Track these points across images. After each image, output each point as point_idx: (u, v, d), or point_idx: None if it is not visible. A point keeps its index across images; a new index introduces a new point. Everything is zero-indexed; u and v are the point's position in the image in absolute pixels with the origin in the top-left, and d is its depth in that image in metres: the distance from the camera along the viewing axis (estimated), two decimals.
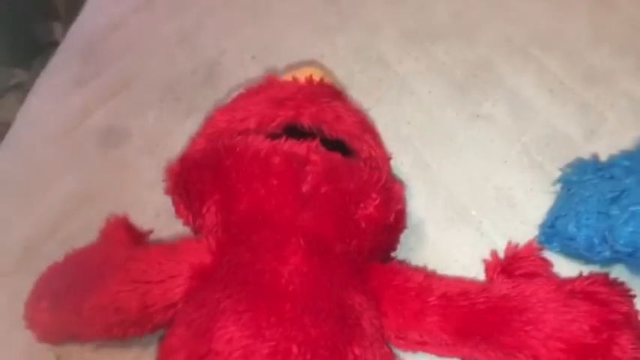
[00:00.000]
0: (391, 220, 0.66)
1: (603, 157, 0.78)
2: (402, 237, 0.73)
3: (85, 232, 0.80)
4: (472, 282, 0.66)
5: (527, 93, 0.88)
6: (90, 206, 0.86)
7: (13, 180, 0.93)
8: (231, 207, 0.64)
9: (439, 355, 0.64)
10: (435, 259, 0.74)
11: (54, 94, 1.04)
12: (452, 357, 0.64)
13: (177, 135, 0.91)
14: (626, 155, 0.73)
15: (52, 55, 1.11)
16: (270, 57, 0.99)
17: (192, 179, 0.67)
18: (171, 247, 0.67)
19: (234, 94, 0.77)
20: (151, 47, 1.08)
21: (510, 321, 0.60)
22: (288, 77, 0.75)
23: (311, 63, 0.93)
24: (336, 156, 0.65)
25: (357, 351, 0.57)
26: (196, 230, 0.69)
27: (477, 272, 0.72)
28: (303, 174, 0.63)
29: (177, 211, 0.70)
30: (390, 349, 0.63)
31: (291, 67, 0.86)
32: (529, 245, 0.70)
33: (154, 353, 0.66)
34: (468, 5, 0.98)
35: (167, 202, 0.73)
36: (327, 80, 0.76)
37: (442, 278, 0.66)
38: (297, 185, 0.62)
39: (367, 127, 0.73)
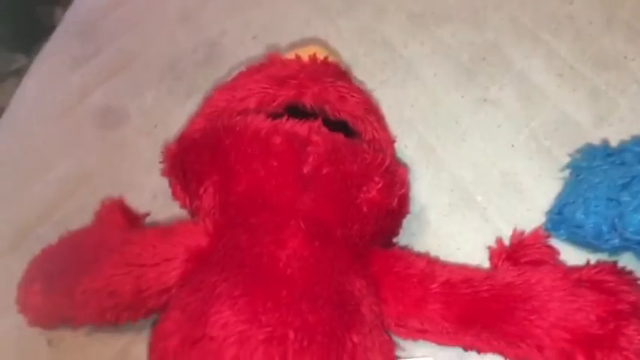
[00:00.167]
0: (394, 204, 0.65)
1: (613, 143, 0.76)
2: (405, 222, 0.71)
3: (81, 214, 0.79)
4: (476, 269, 0.64)
5: (536, 78, 0.85)
6: (86, 188, 0.84)
7: (9, 161, 0.91)
8: (230, 188, 0.62)
9: (440, 343, 0.62)
10: (438, 245, 0.72)
11: (52, 73, 1.02)
12: (453, 345, 0.62)
13: (177, 115, 0.89)
14: (638, 141, 0.71)
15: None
16: (272, 37, 0.97)
17: (190, 160, 0.65)
18: (166, 230, 0.65)
19: (235, 73, 0.75)
20: (151, 26, 1.05)
21: (514, 309, 0.59)
22: (290, 55, 0.72)
23: (315, 41, 0.90)
24: (339, 137, 0.63)
25: (355, 338, 0.55)
26: (193, 213, 0.67)
27: (480, 259, 0.70)
28: (305, 155, 0.61)
29: (174, 193, 0.68)
30: (389, 336, 0.62)
31: (294, 46, 0.84)
32: (535, 232, 0.68)
33: (147, 338, 0.64)
34: None
35: (165, 183, 0.71)
36: (331, 59, 0.73)
37: (445, 265, 0.64)
38: (298, 166, 0.61)
39: (371, 109, 0.71)
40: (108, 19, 1.08)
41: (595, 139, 0.77)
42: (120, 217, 0.73)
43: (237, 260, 0.57)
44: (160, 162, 0.69)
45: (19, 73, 1.08)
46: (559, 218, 0.68)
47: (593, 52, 0.87)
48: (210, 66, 0.96)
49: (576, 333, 0.57)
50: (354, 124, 0.68)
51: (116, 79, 0.98)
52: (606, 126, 0.79)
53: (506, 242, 0.69)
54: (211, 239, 0.61)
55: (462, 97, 0.86)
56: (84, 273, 0.65)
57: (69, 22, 1.10)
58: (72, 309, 0.66)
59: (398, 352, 0.62)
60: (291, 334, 0.52)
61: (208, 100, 0.71)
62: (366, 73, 0.90)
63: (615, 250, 0.65)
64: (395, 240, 0.70)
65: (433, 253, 0.71)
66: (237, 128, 0.62)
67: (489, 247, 0.68)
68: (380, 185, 0.63)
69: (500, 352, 0.60)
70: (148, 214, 0.77)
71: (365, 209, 0.62)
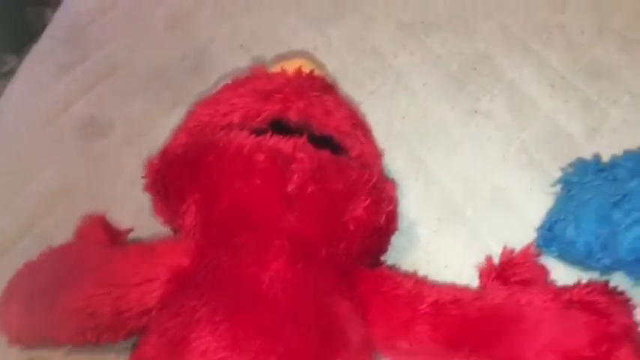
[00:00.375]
0: (381, 221, 0.63)
1: (606, 156, 0.74)
2: (393, 238, 0.70)
3: (63, 228, 0.77)
4: (465, 289, 0.63)
5: (527, 88, 0.84)
6: (69, 201, 0.82)
7: None
8: (212, 206, 0.60)
9: None
10: (427, 262, 0.71)
11: (36, 80, 1.00)
12: None
13: (163, 125, 0.87)
14: (630, 155, 0.70)
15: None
16: (260, 46, 0.95)
17: (172, 176, 0.64)
18: (148, 248, 0.64)
19: (221, 84, 0.73)
20: (139, 32, 1.04)
21: (504, 331, 0.57)
22: (276, 68, 0.71)
23: (301, 54, 0.89)
24: (325, 154, 0.62)
25: None
26: (176, 230, 0.66)
27: (470, 276, 0.68)
28: (289, 172, 0.59)
29: (156, 210, 0.67)
30: (376, 359, 0.60)
31: (280, 58, 0.83)
32: (525, 250, 0.66)
33: None
34: None
35: (149, 197, 0.70)
36: (317, 73, 0.72)
37: (433, 285, 0.62)
38: (282, 184, 0.59)
39: (358, 123, 0.69)
40: (95, 24, 1.06)
41: (587, 152, 0.76)
42: (101, 234, 0.71)
43: (218, 283, 0.55)
44: (142, 177, 0.67)
45: (10, 75, 1.06)
46: (550, 235, 0.67)
47: (584, 62, 0.86)
48: (198, 74, 0.94)
49: (568, 356, 0.55)
50: (340, 139, 0.66)
51: (101, 87, 0.96)
52: (598, 138, 0.78)
53: (496, 260, 0.67)
54: (193, 259, 0.59)
55: (453, 108, 0.85)
56: (64, 292, 0.63)
57: (55, 27, 1.08)
58: (53, 328, 0.64)
59: None
60: None
61: (191, 114, 0.69)
62: (355, 82, 0.89)
63: (607, 270, 0.64)
64: (383, 257, 0.69)
65: (422, 269, 0.69)
66: (220, 145, 0.61)
67: (479, 266, 0.67)
68: (367, 203, 0.61)
69: None
70: (130, 230, 0.75)
71: (351, 227, 0.61)
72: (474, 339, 0.58)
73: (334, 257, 0.60)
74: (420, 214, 0.75)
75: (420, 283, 0.62)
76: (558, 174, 0.74)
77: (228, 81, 0.72)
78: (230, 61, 0.94)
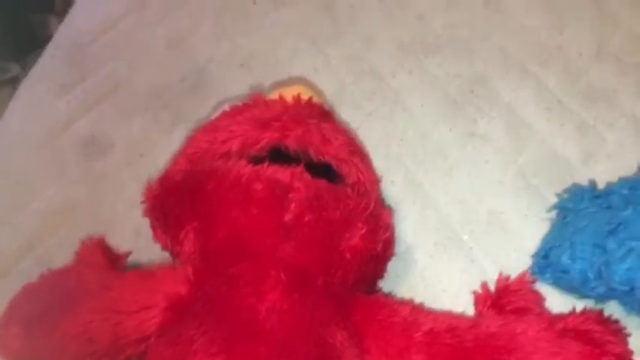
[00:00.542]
0: (378, 249, 0.64)
1: (602, 180, 0.75)
2: (390, 263, 0.70)
3: (65, 249, 0.78)
4: (460, 317, 0.63)
5: (525, 111, 0.85)
6: (69, 221, 0.83)
7: None
8: (210, 235, 0.61)
9: None
10: (424, 287, 0.72)
11: (38, 99, 1.01)
12: None
13: (162, 146, 0.89)
14: (625, 183, 0.70)
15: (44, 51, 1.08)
16: (260, 65, 0.96)
17: (171, 203, 0.64)
18: (146, 275, 0.64)
19: (219, 111, 0.74)
20: (139, 51, 1.04)
21: None
22: (274, 95, 0.72)
23: (299, 80, 0.90)
24: (321, 183, 0.62)
25: None
26: (175, 255, 0.66)
27: (466, 301, 0.69)
28: (286, 202, 0.60)
29: (155, 235, 0.67)
30: None
31: (278, 85, 0.84)
32: (521, 277, 0.67)
33: None
34: (464, 18, 0.95)
35: (148, 219, 0.70)
36: (315, 99, 0.72)
37: (429, 313, 0.63)
38: (280, 214, 0.60)
39: (356, 150, 0.70)
40: (97, 43, 1.07)
41: (583, 177, 0.76)
42: (100, 258, 0.72)
43: (216, 313, 0.56)
44: (141, 202, 0.68)
45: (13, 82, 1.07)
46: (545, 262, 0.68)
47: (582, 85, 0.86)
48: (197, 94, 0.95)
49: None
50: (338, 166, 0.67)
51: (102, 107, 0.97)
52: (593, 163, 0.79)
53: (492, 285, 0.68)
54: (191, 287, 0.60)
55: (450, 130, 0.85)
56: (63, 317, 0.63)
57: (57, 46, 1.09)
58: (52, 353, 0.65)
59: None
60: None
61: (191, 140, 0.70)
62: (354, 104, 0.90)
63: (602, 298, 0.64)
64: (380, 282, 0.69)
65: (419, 294, 0.70)
66: (219, 173, 0.62)
67: (475, 293, 0.67)
68: (363, 231, 0.62)
69: None
70: (129, 253, 0.76)
71: (348, 256, 0.61)
72: None
73: (331, 286, 0.60)
74: (417, 238, 0.76)
75: (415, 310, 0.63)
76: (554, 199, 0.74)
77: (227, 107, 0.72)
78: (229, 81, 0.95)
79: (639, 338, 0.62)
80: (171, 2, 1.11)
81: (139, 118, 0.94)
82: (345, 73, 0.94)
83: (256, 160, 0.64)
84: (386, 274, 0.70)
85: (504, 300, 0.65)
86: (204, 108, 0.91)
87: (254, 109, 0.69)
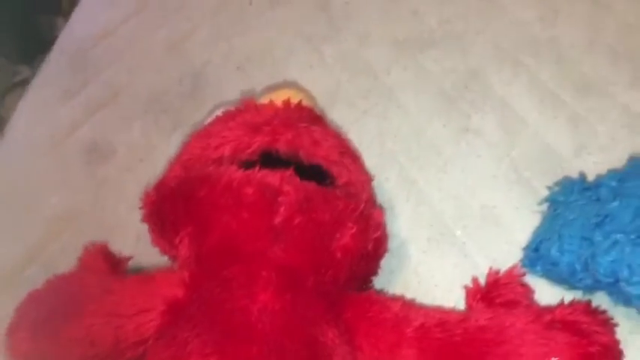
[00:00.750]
0: (369, 248, 0.65)
1: (594, 172, 0.76)
2: (384, 259, 0.72)
3: (69, 255, 0.80)
4: (450, 312, 0.65)
5: (518, 105, 0.86)
6: (74, 226, 0.86)
7: None
8: (204, 239, 0.63)
9: None
10: (417, 282, 0.73)
11: (42, 106, 1.04)
12: None
13: (162, 150, 0.91)
14: (614, 175, 0.71)
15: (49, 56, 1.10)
16: (256, 67, 0.98)
17: (167, 209, 0.66)
18: (145, 279, 0.66)
19: (213, 115, 0.76)
20: (138, 55, 1.07)
21: (487, 354, 0.59)
22: (265, 100, 0.73)
23: (290, 84, 0.91)
24: (311, 185, 0.64)
25: None
26: (173, 259, 0.68)
27: (458, 296, 0.70)
28: (276, 205, 0.62)
29: (153, 240, 0.69)
30: None
31: (269, 89, 0.85)
32: (511, 271, 0.68)
33: None
34: (459, 13, 0.96)
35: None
36: (305, 103, 0.74)
37: (420, 308, 0.64)
38: (270, 217, 0.61)
39: (346, 151, 0.71)
40: (98, 48, 1.09)
41: (575, 169, 0.77)
42: (102, 263, 0.74)
43: (209, 315, 0.58)
44: (139, 208, 0.70)
45: (23, 84, 1.09)
46: (535, 255, 0.69)
47: (574, 77, 0.87)
48: (195, 98, 0.97)
49: None
50: (328, 168, 0.68)
51: (103, 112, 0.99)
52: (586, 155, 0.79)
53: (483, 279, 0.69)
54: (187, 290, 0.62)
55: (444, 126, 0.86)
56: (67, 321, 0.65)
57: (60, 52, 1.11)
58: (58, 356, 0.67)
59: None
60: None
61: (185, 146, 0.72)
62: (349, 102, 0.91)
63: (589, 289, 0.65)
64: (374, 278, 0.71)
65: (412, 289, 0.72)
66: (211, 179, 0.63)
67: (465, 287, 0.69)
68: (353, 231, 0.63)
69: None
70: (130, 258, 0.78)
71: (339, 255, 0.63)
72: None
73: (322, 285, 0.62)
74: (411, 234, 0.77)
75: (407, 306, 0.64)
76: (546, 192, 0.75)
77: (220, 112, 0.74)
78: (226, 83, 0.97)
79: (626, 328, 0.63)
80: (169, 5, 1.13)
81: (139, 122, 0.97)
82: (340, 71, 0.96)
83: (248, 165, 0.65)
84: (380, 271, 0.71)
85: (494, 293, 0.66)
86: (201, 112, 0.92)
87: (245, 114, 0.71)
